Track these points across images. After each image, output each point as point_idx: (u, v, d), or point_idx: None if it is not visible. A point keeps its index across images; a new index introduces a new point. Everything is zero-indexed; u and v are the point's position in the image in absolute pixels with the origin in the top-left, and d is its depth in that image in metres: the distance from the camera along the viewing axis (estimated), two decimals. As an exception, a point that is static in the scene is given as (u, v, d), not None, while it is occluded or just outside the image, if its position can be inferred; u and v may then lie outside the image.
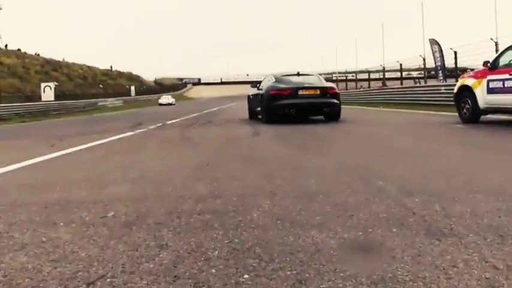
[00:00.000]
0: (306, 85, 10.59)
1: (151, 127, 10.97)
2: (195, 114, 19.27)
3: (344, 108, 12.79)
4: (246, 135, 7.92)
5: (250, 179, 3.58)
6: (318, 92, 10.44)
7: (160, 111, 26.97)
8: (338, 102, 10.67)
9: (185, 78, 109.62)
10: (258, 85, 11.98)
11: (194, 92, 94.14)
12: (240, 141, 7.05)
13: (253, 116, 12.33)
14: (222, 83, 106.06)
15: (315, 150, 5.42)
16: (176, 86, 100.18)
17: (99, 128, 11.42)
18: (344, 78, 40.03)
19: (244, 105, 14.54)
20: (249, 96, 13.01)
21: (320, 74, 12.44)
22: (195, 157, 5.05)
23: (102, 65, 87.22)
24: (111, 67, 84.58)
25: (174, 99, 53.53)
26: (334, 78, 46.47)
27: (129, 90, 68.74)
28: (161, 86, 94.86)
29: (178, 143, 7.08)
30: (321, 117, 11.12)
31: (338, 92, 10.95)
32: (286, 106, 10.27)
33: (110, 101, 49.97)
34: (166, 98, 51.82)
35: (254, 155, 5.14)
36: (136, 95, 68.92)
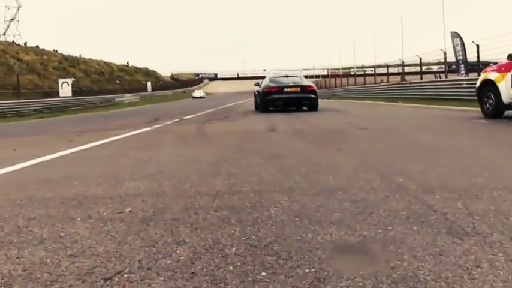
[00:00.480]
0: (290, 84, 14.70)
1: (168, 122, 11.02)
2: (211, 110, 19.33)
3: (361, 104, 13.15)
4: (263, 131, 7.91)
5: (267, 175, 3.57)
6: (299, 89, 14.56)
7: (176, 107, 27.13)
8: (315, 96, 14.63)
9: (201, 74, 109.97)
10: (259, 84, 15.76)
11: (211, 87, 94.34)
12: (257, 136, 7.04)
13: (257, 107, 15.74)
14: (238, 78, 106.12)
15: (332, 146, 5.38)
16: (193, 82, 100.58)
17: (116, 124, 11.52)
18: (362, 73, 39.71)
19: (260, 101, 16.33)
20: (254, 92, 16.73)
21: (337, 69, 14.54)
22: (211, 153, 5.06)
23: (119, 60, 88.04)
24: (127, 63, 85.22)
25: (204, 93, 63.61)
26: (352, 73, 46.22)
27: (146, 86, 69.19)
28: (177, 82, 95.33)
29: (195, 138, 7.10)
30: (337, 113, 11.30)
31: (315, 89, 14.93)
32: (275, 100, 14.45)
33: (127, 97, 50.44)
34: (198, 92, 62.20)
35: (271, 150, 5.12)
36: (152, 90, 69.37)
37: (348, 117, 11.31)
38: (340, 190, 2.93)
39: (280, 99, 14.52)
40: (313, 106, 14.59)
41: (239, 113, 15.84)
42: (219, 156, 4.69)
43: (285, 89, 14.59)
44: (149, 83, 70.92)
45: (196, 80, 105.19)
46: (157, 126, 9.91)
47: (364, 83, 36.60)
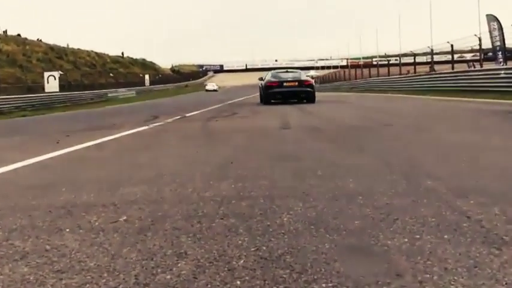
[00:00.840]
0: (289, 79, 18.17)
1: (169, 120, 11.06)
2: (217, 106, 19.37)
3: (385, 97, 13.16)
4: (275, 129, 7.91)
5: (279, 178, 3.56)
6: (297, 83, 17.96)
7: (177, 103, 27.22)
8: (312, 90, 18.14)
9: (206, 65, 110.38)
10: (263, 78, 19.35)
11: (216, 80, 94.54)
12: (268, 135, 7.04)
13: (261, 100, 19.08)
14: (247, 69, 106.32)
15: (352, 145, 5.37)
16: (196, 74, 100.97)
17: (110, 122, 11.58)
18: (386, 62, 39.56)
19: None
20: (259, 86, 20.29)
21: (358, 59, 15.32)
22: (217, 154, 5.06)
23: (113, 51, 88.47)
24: (122, 54, 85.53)
25: (217, 86, 70.53)
26: (375, 63, 46.02)
27: (143, 79, 69.45)
28: (179, 74, 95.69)
29: (198, 138, 7.11)
30: (358, 109, 11.24)
31: (312, 83, 18.72)
32: (276, 93, 17.92)
33: (122, 92, 50.72)
34: (211, 85, 69.63)
35: (284, 151, 5.12)
36: (150, 84, 69.64)
37: (370, 113, 11.27)
38: (361, 195, 2.91)
39: (280, 92, 18.01)
40: (309, 98, 18.09)
41: (249, 109, 15.87)
42: (226, 158, 4.69)
43: (285, 83, 18.04)
44: (147, 76, 71.20)
45: (200, 72, 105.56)
46: (156, 124, 9.94)
47: (388, 74, 36.45)
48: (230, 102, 23.84)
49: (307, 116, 10.96)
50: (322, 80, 72.25)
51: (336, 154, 4.72)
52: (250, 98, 28.65)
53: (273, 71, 19.74)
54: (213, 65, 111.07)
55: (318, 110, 13.33)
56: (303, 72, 19.94)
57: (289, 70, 19.80)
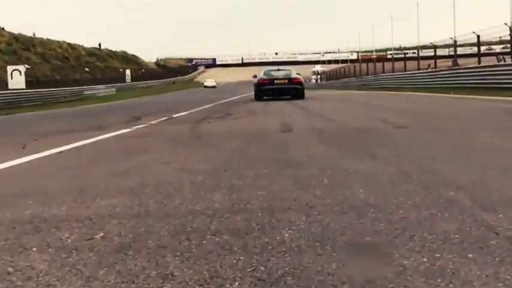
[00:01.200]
0: (279, 77, 22.44)
1: (153, 122, 11.07)
2: (209, 105, 19.39)
3: (400, 96, 13.19)
4: (274, 132, 7.92)
5: (279, 188, 3.56)
6: (286, 81, 22.25)
7: (163, 102, 27.22)
8: (300, 87, 22.32)
9: (196, 59, 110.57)
10: (256, 76, 23.78)
11: (208, 76, 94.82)
12: (267, 138, 7.05)
13: (255, 97, 22.94)
14: (243, 64, 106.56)
15: (362, 151, 5.37)
16: (184, 69, 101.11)
17: (85, 124, 11.58)
18: (402, 56, 39.63)
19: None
20: (253, 83, 24.39)
21: (370, 52, 16.06)
22: (209, 160, 5.06)
23: (88, 42, 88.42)
24: (99, 45, 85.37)
25: (216, 82, 79.67)
26: (389, 56, 46.07)
27: (124, 74, 69.36)
28: (165, 69, 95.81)
29: (187, 142, 7.12)
30: (369, 108, 11.28)
31: (302, 80, 22.99)
32: (267, 90, 22.16)
33: (99, 89, 50.73)
34: (210, 82, 78.32)
35: (284, 156, 5.12)
36: (132, 80, 69.62)
37: (383, 113, 11.29)
38: (373, 207, 2.91)
39: (271, 89, 22.17)
40: (298, 95, 22.02)
41: (245, 109, 15.90)
42: (219, 165, 4.69)
43: (275, 81, 22.27)
44: (128, 71, 71.19)
45: (189, 66, 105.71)
46: (139, 126, 9.94)
47: (405, 69, 36.55)
48: (224, 101, 23.86)
49: (311, 117, 10.98)
50: (328, 76, 72.42)
51: (344, 160, 4.72)
52: (246, 96, 28.68)
53: (265, 69, 24.14)
54: (205, 59, 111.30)
55: (323, 110, 13.36)
56: (293, 70, 24.02)
57: (280, 68, 24.38)
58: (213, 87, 75.00)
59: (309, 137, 6.99)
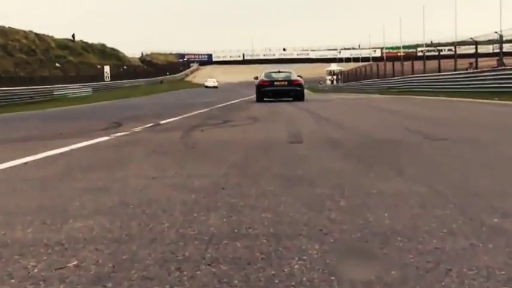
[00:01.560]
0: (279, 79, 27.39)
1: (137, 129, 11.08)
2: (203, 110, 19.41)
3: (434, 102, 13.22)
4: (281, 142, 7.92)
5: (287, 209, 3.56)
6: (286, 83, 27.09)
7: (149, 105, 27.24)
8: (300, 89, 27.18)
9: (188, 55, 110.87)
10: (257, 78, 28.73)
11: (203, 74, 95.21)
12: (273, 150, 7.05)
13: (256, 98, 28.07)
14: (244, 61, 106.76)
15: (387, 166, 5.37)
16: (174, 67, 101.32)
17: (57, 131, 11.59)
18: (435, 53, 39.60)
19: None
20: (255, 85, 28.78)
21: (396, 49, 16.95)
22: (204, 175, 5.06)
23: (60, 32, 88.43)
24: (73, 36, 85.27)
25: (218, 82, 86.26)
26: (420, 53, 46.08)
27: (102, 72, 69.30)
28: (151, 67, 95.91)
29: (178, 153, 7.12)
30: (395, 115, 11.30)
31: (301, 82, 27.80)
32: (267, 91, 26.99)
33: (73, 89, 50.72)
34: (211, 82, 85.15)
35: (293, 172, 5.12)
36: (112, 79, 69.61)
37: (411, 122, 11.30)
38: (400, 235, 2.91)
39: (271, 91, 27.05)
40: (298, 97, 26.71)
41: (246, 114, 15.90)
42: (215, 181, 4.69)
43: (275, 83, 27.18)
44: (107, 68, 71.22)
45: (180, 63, 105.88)
46: (120, 134, 9.95)
47: (439, 70, 36.46)
48: (221, 105, 23.88)
49: (325, 126, 10.99)
50: (347, 76, 72.49)
51: (365, 178, 4.72)
52: (248, 100, 28.75)
53: (266, 71, 29.26)
54: (199, 55, 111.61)
55: (339, 117, 13.36)
56: (294, 72, 29.10)
57: (281, 70, 29.32)
58: (215, 87, 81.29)
59: (322, 149, 6.99)
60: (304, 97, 27.34)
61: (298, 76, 28.49)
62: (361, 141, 7.98)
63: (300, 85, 27.49)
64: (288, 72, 28.85)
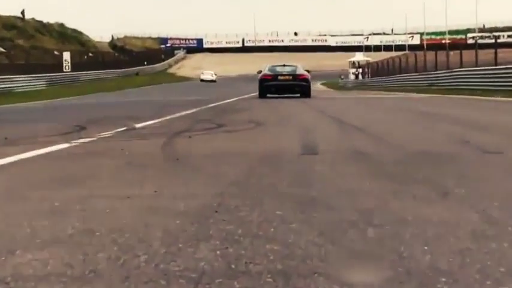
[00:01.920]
0: (283, 73, 32.68)
1: (105, 134, 11.09)
2: (191, 111, 19.41)
3: (492, 103, 13.26)
4: (291, 153, 7.93)
5: (299, 240, 3.56)
6: (291, 77, 32.21)
7: (121, 104, 27.23)
8: (306, 84, 32.28)
9: (172, 39, 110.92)
10: (261, 72, 33.22)
11: (191, 65, 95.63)
12: (280, 164, 7.06)
13: (259, 94, 32.85)
14: (244, 49, 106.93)
15: (429, 186, 5.37)
16: (154, 54, 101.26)
17: (0, 136, 11.58)
18: (491, 40, 39.51)
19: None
20: (257, 79, 33.60)
21: (440, 35, 17.45)
22: (192, 195, 5.08)
23: (5, 8, 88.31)
24: (22, 13, 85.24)
25: (216, 75, 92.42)
26: (471, 41, 46.10)
27: (60, 60, 69.09)
28: (125, 54, 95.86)
29: (159, 167, 7.13)
30: (439, 121, 11.39)
31: (308, 77, 32.69)
32: (270, 86, 32.30)
33: (22, 82, 50.63)
34: (208, 74, 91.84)
35: (306, 192, 5.12)
36: (74, 70, 69.38)
37: (462, 130, 11.31)
38: (444, 274, 2.91)
39: (274, 85, 31.67)
40: (304, 92, 31.54)
41: (247, 117, 15.91)
42: (207, 202, 4.70)
43: (279, 77, 31.76)
44: (67, 55, 70.90)
45: (162, 50, 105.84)
46: (84, 141, 9.97)
47: (495, 62, 36.29)
48: (214, 105, 23.90)
49: (348, 133, 11.00)
50: (376, 69, 72.47)
51: (400, 201, 4.72)
52: (249, 98, 28.78)
53: (270, 65, 33.81)
54: (186, 40, 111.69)
55: (366, 123, 13.36)
56: (300, 66, 33.71)
57: (286, 64, 34.01)
58: (213, 81, 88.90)
59: (344, 164, 6.99)
60: (311, 94, 32.06)
61: (305, 71, 32.92)
62: (394, 154, 7.98)
63: (305, 80, 32.06)
64: (294, 66, 33.73)
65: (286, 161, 7.29)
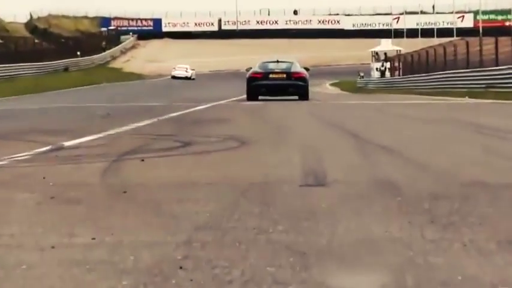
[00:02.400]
0: (275, 70, 40.98)
1: (20, 156, 11.08)
2: (145, 123, 19.43)
3: None
4: (288, 184, 7.95)
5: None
6: (285, 76, 40.43)
7: (43, 111, 27.26)
8: (303, 84, 40.43)
9: (118, 19, 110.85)
10: (249, 70, 43.37)
11: (146, 55, 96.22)
12: (271, 199, 7.07)
13: (247, 96, 42.66)
14: (220, 33, 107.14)
15: (483, 231, 5.40)
16: (91, 41, 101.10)
17: None
18: None
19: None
20: (246, 78, 41.99)
21: (501, 15, 18.44)
22: (146, 244, 5.09)
23: None
24: None
25: (193, 71, 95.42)
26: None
27: None
28: (48, 39, 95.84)
29: (98, 202, 7.15)
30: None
31: (305, 76, 40.73)
32: (260, 86, 40.42)
33: None
34: (181, 70, 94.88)
35: (309, 240, 5.15)
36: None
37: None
38: None
39: (265, 85, 36.61)
40: (301, 94, 36.60)
41: (226, 130, 15.94)
42: (167, 254, 4.71)
43: (271, 75, 36.65)
44: None
45: (104, 34, 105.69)
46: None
47: None
48: (176, 114, 23.92)
49: (369, 156, 11.03)
50: (409, 63, 72.68)
51: (444, 252, 4.74)
52: (230, 103, 28.83)
53: (261, 61, 38.14)
54: (137, 20, 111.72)
55: (395, 140, 13.41)
56: (297, 63, 38.00)
57: (280, 60, 38.08)
58: (187, 78, 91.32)
59: (363, 199, 7.00)
60: (317, 98, 35.72)
61: (303, 68, 36.77)
62: (436, 185, 8.00)
63: (302, 79, 36.68)
64: (289, 62, 37.61)
65: (280, 196, 7.30)
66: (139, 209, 6.78)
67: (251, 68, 37.48)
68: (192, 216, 6.16)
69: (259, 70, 36.01)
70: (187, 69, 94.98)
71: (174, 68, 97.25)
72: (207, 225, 5.82)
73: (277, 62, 37.44)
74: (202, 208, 6.57)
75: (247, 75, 36.49)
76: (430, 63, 63.31)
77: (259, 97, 35.42)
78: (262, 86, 35.77)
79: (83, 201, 7.20)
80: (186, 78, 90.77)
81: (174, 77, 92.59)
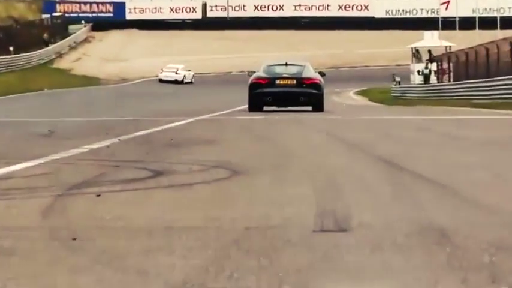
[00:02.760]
0: (283, 75, 49.46)
1: None
2: (102, 144, 19.52)
3: None
4: (297, 229, 8.00)
5: None
6: (295, 82, 48.71)
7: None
8: (316, 92, 47.44)
9: (66, 3, 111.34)
10: (251, 74, 54.45)
11: (103, 51, 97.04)
12: (274, 250, 7.09)
13: (248, 106, 52.82)
14: (204, 22, 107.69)
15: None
16: (29, 32, 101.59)
17: None
18: None
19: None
20: (248, 84, 51.54)
21: None
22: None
23: None
24: None
25: (190, 73, 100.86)
26: None
27: None
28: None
29: (38, 254, 7.16)
30: None
31: (319, 82, 48.28)
32: (264, 94, 48.77)
33: None
34: (172, 71, 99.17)
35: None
36: None
37: None
38: None
39: (270, 93, 43.51)
40: (314, 104, 42.03)
41: (214, 156, 16.03)
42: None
43: (277, 81, 43.52)
44: None
45: (45, 24, 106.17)
46: None
47: None
48: (146, 132, 24.03)
49: (406, 187, 11.06)
50: (464, 64, 73.05)
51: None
52: (220, 117, 29.02)
53: (266, 64, 41.62)
54: (92, 4, 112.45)
55: (444, 165, 13.47)
56: (309, 66, 38.89)
57: (289, 63, 38.75)
58: (178, 82, 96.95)
59: (401, 250, 7.02)
60: (325, 107, 38.11)
61: (316, 73, 38.96)
62: (501, 232, 8.02)
63: (316, 86, 39.46)
64: (301, 65, 40.04)
65: (286, 245, 7.32)
66: (93, 262, 6.79)
67: (254, 72, 38.64)
68: (165, 273, 6.17)
69: (263, 75, 37.60)
70: (177, 70, 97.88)
71: (162, 70, 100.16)
72: (186, 286, 5.83)
73: (286, 65, 38.69)
74: (179, 261, 6.58)
75: (250, 81, 38.12)
76: (491, 65, 63.54)
77: (264, 108, 37.04)
78: (267, 94, 37.54)
79: (17, 251, 7.21)
80: (177, 82, 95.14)
81: (161, 81, 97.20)
